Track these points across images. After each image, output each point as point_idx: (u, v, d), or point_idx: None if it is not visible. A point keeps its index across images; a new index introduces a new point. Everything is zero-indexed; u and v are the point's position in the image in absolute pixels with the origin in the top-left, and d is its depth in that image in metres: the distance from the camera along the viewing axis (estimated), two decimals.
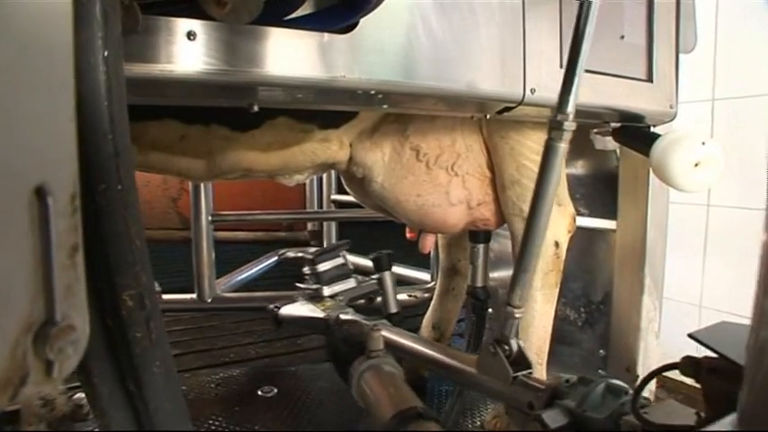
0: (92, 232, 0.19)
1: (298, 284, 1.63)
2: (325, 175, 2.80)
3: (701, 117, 1.89)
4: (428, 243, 1.35)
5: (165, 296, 2.07)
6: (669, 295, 1.93)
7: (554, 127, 0.83)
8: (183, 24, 0.60)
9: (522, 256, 0.91)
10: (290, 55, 0.68)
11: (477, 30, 0.84)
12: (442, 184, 1.18)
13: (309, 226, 2.96)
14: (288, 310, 1.61)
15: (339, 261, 1.66)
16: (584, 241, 1.45)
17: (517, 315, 0.93)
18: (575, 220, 1.29)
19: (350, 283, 1.62)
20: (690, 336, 0.68)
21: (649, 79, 1.09)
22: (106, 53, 0.20)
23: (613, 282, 1.33)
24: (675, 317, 1.94)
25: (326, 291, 1.57)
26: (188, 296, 2.17)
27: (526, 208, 1.19)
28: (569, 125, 0.83)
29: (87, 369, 0.25)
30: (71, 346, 0.16)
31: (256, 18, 0.59)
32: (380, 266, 1.57)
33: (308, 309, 1.53)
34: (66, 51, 0.18)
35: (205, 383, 1.68)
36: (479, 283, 1.45)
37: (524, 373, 0.89)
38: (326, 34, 0.70)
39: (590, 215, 1.44)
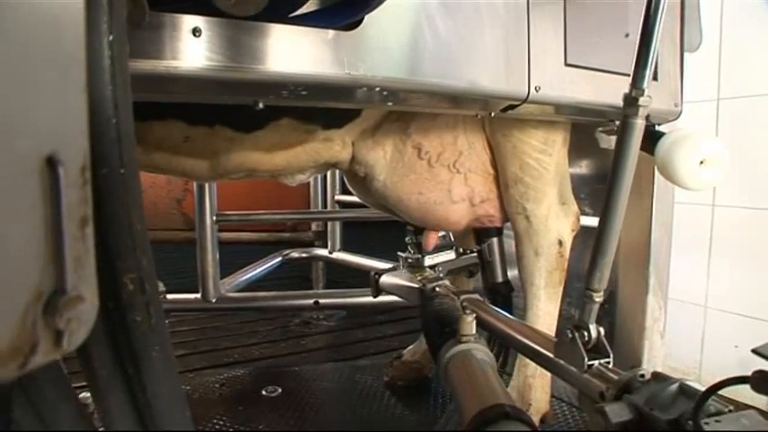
0: (93, 215, 0.19)
1: (399, 253, 1.57)
2: (329, 176, 2.80)
3: (705, 116, 1.88)
4: (431, 241, 1.34)
5: (169, 296, 2.07)
6: (674, 295, 1.93)
7: (629, 103, 0.81)
8: (189, 21, 0.60)
9: (600, 239, 0.88)
10: (294, 52, 0.68)
11: (481, 27, 0.84)
12: (443, 181, 1.18)
13: (314, 226, 2.96)
14: (387, 278, 1.57)
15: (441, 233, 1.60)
16: (588, 240, 1.44)
17: (597, 299, 0.90)
18: (578, 219, 1.28)
19: (450, 255, 1.55)
20: (754, 351, 0.65)
21: (654, 78, 1.09)
22: (111, 37, 0.20)
23: (618, 281, 1.33)
24: (680, 317, 1.93)
25: (427, 260, 1.51)
26: (192, 296, 2.18)
27: (529, 206, 1.20)
28: (645, 100, 0.82)
29: (87, 352, 0.25)
30: (80, 317, 0.16)
31: (261, 14, 0.60)
32: (489, 233, 1.45)
33: (407, 278, 1.48)
34: (78, 25, 0.18)
35: (209, 383, 1.68)
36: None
37: (602, 361, 0.85)
38: (331, 31, 0.70)
39: (594, 214, 1.44)
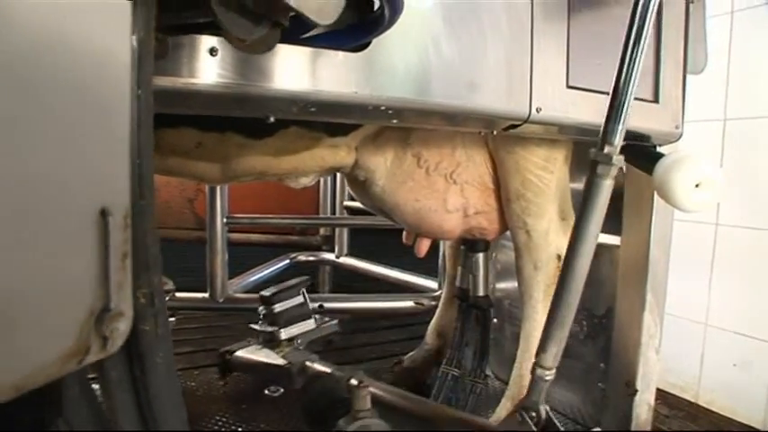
0: None
1: (252, 325, 1.52)
2: (338, 182, 2.84)
3: (712, 136, 1.90)
4: (423, 247, 1.38)
5: (177, 294, 2.11)
6: (675, 312, 1.95)
7: (600, 161, 0.76)
8: (206, 41, 0.64)
9: (556, 306, 0.84)
10: (304, 71, 0.72)
11: (485, 50, 0.87)
12: (440, 190, 1.22)
13: (322, 231, 3.01)
14: (243, 354, 1.50)
15: (298, 300, 1.54)
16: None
17: (548, 377, 0.85)
18: None
19: (309, 325, 1.52)
20: None
21: (655, 100, 1.12)
22: (140, 92, 0.24)
23: (616, 298, 1.35)
24: (681, 334, 1.95)
25: (284, 334, 1.46)
26: (200, 295, 2.22)
27: (530, 221, 1.23)
28: (618, 159, 0.77)
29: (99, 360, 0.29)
30: (120, 328, 0.20)
31: None
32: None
33: (266, 354, 1.42)
34: (124, 100, 0.21)
35: (213, 381, 1.72)
36: (481, 293, 1.48)
37: None
38: (340, 53, 0.74)
39: None
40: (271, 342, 1.47)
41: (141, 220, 0.23)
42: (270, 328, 1.47)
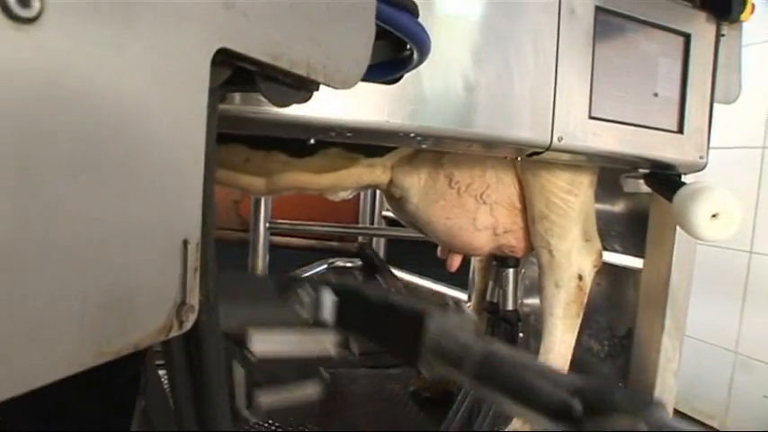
0: None
1: None
2: (378, 194, 2.93)
3: (750, 163, 1.90)
4: (455, 262, 1.45)
5: None
6: (704, 338, 1.95)
7: None
8: None
9: None
10: (341, 101, 0.81)
11: (510, 83, 0.94)
12: (470, 210, 1.29)
13: (360, 238, 3.10)
14: None
15: None
16: (613, 277, 1.51)
17: None
18: (601, 256, 1.36)
19: None
20: None
21: (680, 131, 1.16)
22: (207, 148, 0.33)
23: (636, 320, 1.39)
24: (709, 361, 1.95)
25: None
26: None
27: (553, 241, 1.28)
28: None
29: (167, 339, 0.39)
30: (191, 315, 0.30)
31: None
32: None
33: None
34: (201, 147, 0.31)
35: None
36: (510, 307, 1.54)
37: None
38: (375, 85, 0.82)
39: (624, 252, 1.50)
40: None
41: (206, 245, 0.32)
42: None
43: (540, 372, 0.52)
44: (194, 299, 0.30)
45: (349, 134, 0.86)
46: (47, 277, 0.25)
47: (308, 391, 0.83)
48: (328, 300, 0.80)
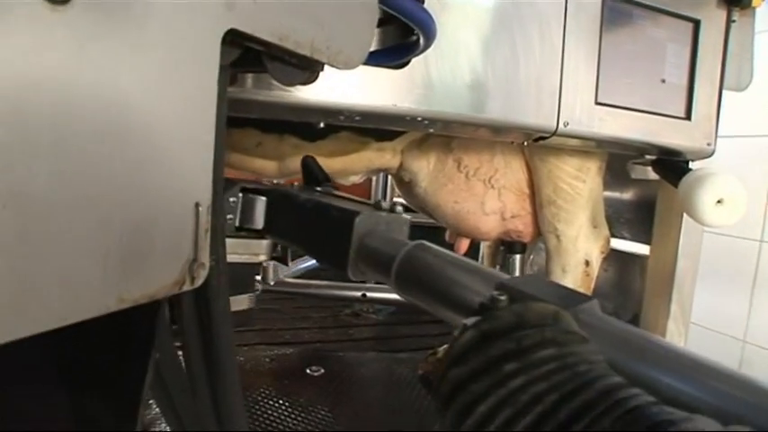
0: None
1: None
2: (390, 179, 2.95)
3: (759, 151, 1.89)
4: (462, 246, 1.47)
5: None
6: (712, 327, 1.96)
7: None
8: None
9: None
10: (350, 85, 0.83)
11: (517, 68, 0.96)
12: (478, 194, 1.31)
13: None
14: None
15: None
16: (622, 263, 1.52)
17: None
18: (608, 243, 1.37)
19: None
20: None
21: (688, 117, 1.17)
22: (218, 124, 0.36)
23: (642, 306, 1.40)
24: (717, 349, 1.96)
25: None
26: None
27: (560, 227, 1.30)
28: None
29: (180, 296, 0.42)
30: (202, 271, 0.32)
31: None
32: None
33: None
34: (212, 122, 0.34)
35: (260, 358, 1.87)
36: None
37: None
38: (382, 69, 0.84)
39: (633, 239, 1.52)
40: None
41: (216, 211, 0.35)
42: None
43: (466, 267, 0.49)
44: (205, 257, 0.33)
45: (357, 118, 0.88)
46: (77, 229, 0.28)
47: (243, 303, 0.81)
48: (258, 203, 0.75)
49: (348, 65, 0.45)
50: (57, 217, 0.27)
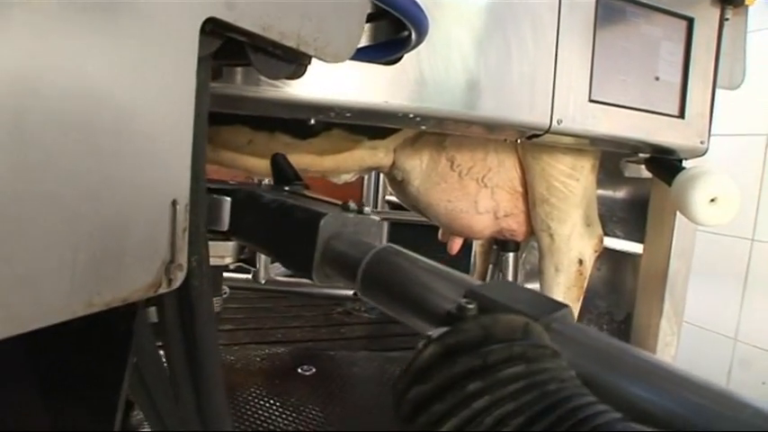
0: None
1: None
2: (381, 178, 2.94)
3: (754, 151, 1.90)
4: (455, 246, 1.46)
5: (224, 274, 2.26)
6: (704, 325, 1.96)
7: None
8: None
9: None
10: (341, 81, 0.81)
11: (509, 65, 0.95)
12: (471, 193, 1.30)
13: None
14: None
15: None
16: (614, 262, 1.52)
17: None
18: (602, 241, 1.37)
19: None
20: None
21: (681, 116, 1.16)
22: (198, 118, 0.34)
23: (635, 305, 1.40)
24: (708, 348, 1.96)
25: None
26: (244, 276, 2.37)
27: (553, 225, 1.29)
28: None
29: (161, 302, 0.40)
30: (179, 273, 0.31)
31: None
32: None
33: None
34: (190, 117, 0.32)
35: (251, 357, 1.85)
36: None
37: None
38: (374, 65, 0.83)
39: (625, 238, 1.51)
40: None
41: (196, 209, 0.33)
42: None
43: (436, 272, 0.47)
44: (183, 258, 0.32)
45: (348, 114, 0.87)
46: (40, 227, 0.26)
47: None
48: (223, 204, 0.72)
49: (337, 58, 0.44)
50: (16, 213, 0.25)
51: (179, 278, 0.32)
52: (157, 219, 0.30)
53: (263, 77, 0.77)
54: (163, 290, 0.31)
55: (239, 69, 0.75)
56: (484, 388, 0.30)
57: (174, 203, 0.31)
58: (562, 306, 0.39)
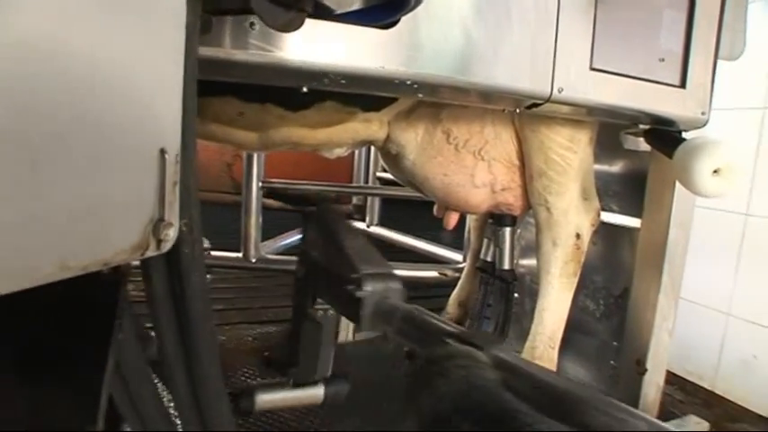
0: None
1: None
2: (372, 153, 2.90)
3: (750, 124, 1.88)
4: (452, 220, 1.43)
5: (213, 253, 2.23)
6: (697, 300, 1.96)
7: None
8: (247, 16, 0.70)
9: None
10: (335, 46, 0.77)
11: (510, 30, 0.91)
12: (468, 166, 1.26)
13: (354, 200, 3.08)
14: None
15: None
16: (611, 237, 1.50)
17: None
18: (599, 215, 1.35)
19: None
20: None
21: (682, 85, 1.13)
22: (187, 63, 0.30)
23: (633, 278, 1.38)
24: (701, 323, 1.96)
25: None
26: (234, 255, 2.33)
27: (551, 199, 1.27)
28: None
29: (149, 271, 0.37)
30: (170, 233, 0.28)
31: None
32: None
33: None
34: (180, 62, 0.28)
35: (242, 337, 1.83)
36: (506, 266, 1.53)
37: None
38: (370, 29, 0.79)
39: (621, 212, 1.49)
40: None
41: (186, 162, 0.30)
42: None
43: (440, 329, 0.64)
44: (173, 216, 0.28)
45: (343, 81, 0.83)
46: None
47: None
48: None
49: (341, 5, 0.40)
50: None
51: (170, 239, 0.28)
52: (143, 170, 0.27)
53: (253, 41, 0.73)
54: (151, 253, 0.27)
55: (228, 32, 0.71)
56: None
57: (162, 153, 0.27)
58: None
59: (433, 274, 2.34)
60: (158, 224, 0.27)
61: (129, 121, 0.26)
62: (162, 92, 0.28)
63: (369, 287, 0.77)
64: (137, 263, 0.33)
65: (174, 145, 0.28)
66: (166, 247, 0.28)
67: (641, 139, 1.25)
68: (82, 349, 0.37)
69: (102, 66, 0.25)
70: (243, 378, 1.53)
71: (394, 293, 0.79)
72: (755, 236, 1.86)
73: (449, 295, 1.84)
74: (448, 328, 0.64)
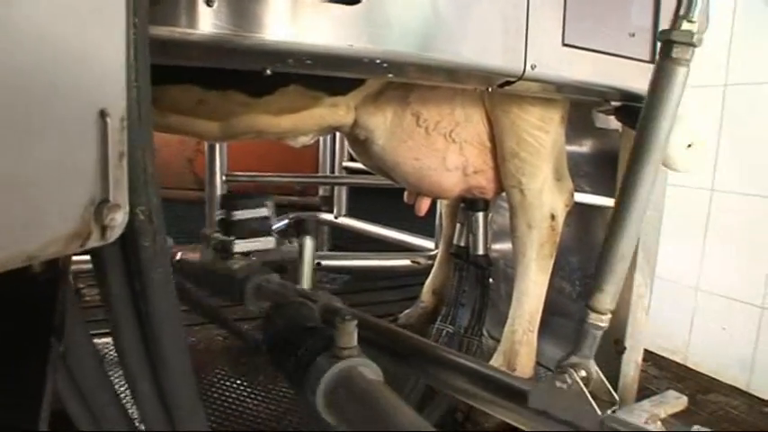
0: None
1: (204, 230, 1.34)
2: (338, 143, 2.85)
3: (712, 101, 1.90)
4: (423, 206, 1.40)
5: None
6: (666, 277, 1.98)
7: (677, 41, 0.59)
8: None
9: (615, 236, 0.75)
10: (299, 23, 0.72)
11: (480, 5, 0.87)
12: (439, 149, 1.23)
13: (321, 191, 3.03)
14: (193, 258, 1.35)
15: (263, 212, 1.33)
16: (584, 217, 1.49)
17: (603, 325, 0.74)
18: (573, 196, 1.33)
19: (269, 243, 1.31)
20: None
21: (651, 60, 1.12)
22: (136, 20, 0.26)
23: None
24: (672, 298, 1.99)
25: (238, 246, 1.25)
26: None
27: (524, 180, 1.24)
28: (699, 40, 0.61)
29: (103, 269, 0.32)
30: (117, 219, 0.23)
31: None
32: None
33: (216, 263, 1.24)
34: (122, 10, 0.23)
35: (213, 336, 1.77)
36: (480, 251, 1.51)
37: (612, 410, 0.67)
38: (335, 5, 0.74)
39: (593, 193, 1.48)
40: (223, 252, 1.28)
41: (137, 129, 0.25)
42: (224, 237, 1.27)
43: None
44: (121, 197, 0.23)
45: (309, 61, 0.78)
46: None
47: None
48: None
49: None
50: None
51: (116, 225, 0.23)
52: (78, 134, 0.21)
53: (211, 19, 0.67)
54: (94, 243, 0.22)
55: (183, 10, 0.65)
56: None
57: (103, 115, 0.22)
58: None
59: (405, 262, 2.31)
60: (101, 206, 0.22)
61: (57, 75, 0.21)
62: (99, 40, 0.23)
63: None
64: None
65: (117, 106, 0.23)
66: (113, 235, 0.23)
67: (612, 117, 1.23)
68: (22, 353, 0.32)
69: (19, 7, 0.20)
70: (215, 380, 1.47)
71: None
72: (721, 211, 1.89)
73: (422, 283, 1.82)
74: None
